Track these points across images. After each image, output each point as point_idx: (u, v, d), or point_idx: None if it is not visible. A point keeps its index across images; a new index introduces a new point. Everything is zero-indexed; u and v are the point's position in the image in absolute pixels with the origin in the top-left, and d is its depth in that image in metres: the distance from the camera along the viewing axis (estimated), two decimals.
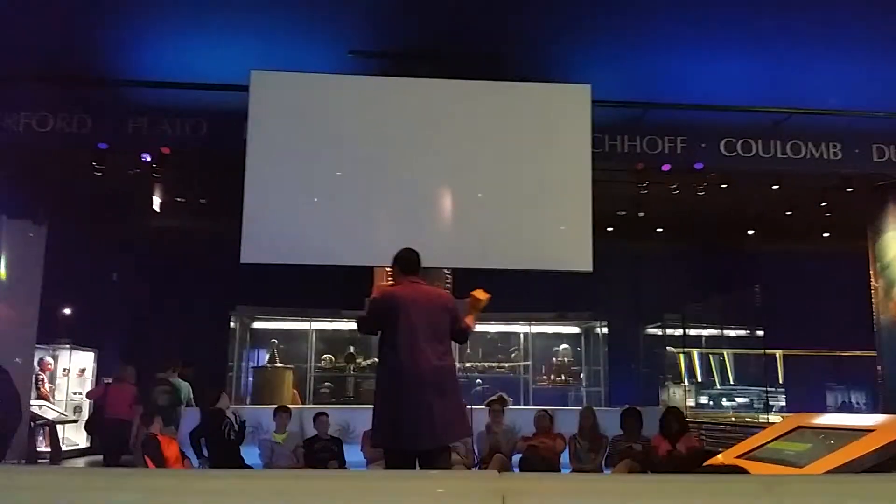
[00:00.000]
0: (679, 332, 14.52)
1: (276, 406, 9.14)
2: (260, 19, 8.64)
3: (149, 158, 9.91)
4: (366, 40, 9.22)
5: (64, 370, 12.61)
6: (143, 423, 8.38)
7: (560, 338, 13.59)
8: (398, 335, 4.73)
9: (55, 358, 12.41)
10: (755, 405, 13.63)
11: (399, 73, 9.45)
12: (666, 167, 10.26)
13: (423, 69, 9.42)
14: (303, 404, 11.47)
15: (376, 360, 4.99)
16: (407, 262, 5.05)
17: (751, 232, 12.52)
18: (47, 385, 11.97)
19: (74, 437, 12.41)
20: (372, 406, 4.85)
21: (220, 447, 8.19)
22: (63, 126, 9.60)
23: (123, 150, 9.79)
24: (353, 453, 8.53)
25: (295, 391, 11.98)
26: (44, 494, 1.71)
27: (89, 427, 11.27)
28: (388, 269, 12.36)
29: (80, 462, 11.81)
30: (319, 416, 8.63)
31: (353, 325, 12.50)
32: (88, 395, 11.28)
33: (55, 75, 9.42)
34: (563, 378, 13.36)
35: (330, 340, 13.05)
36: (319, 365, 12.76)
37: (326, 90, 9.41)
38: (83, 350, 12.88)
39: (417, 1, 8.56)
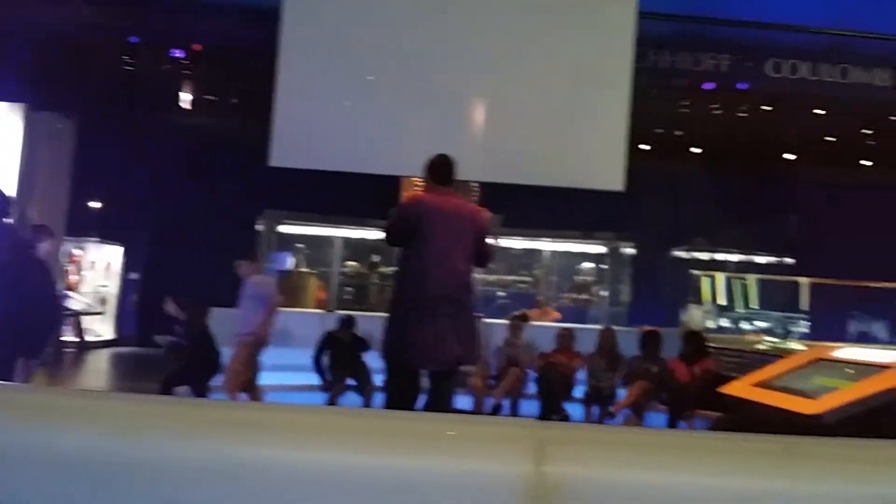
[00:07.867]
0: (707, 255, 14.39)
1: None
2: None
3: (180, 54, 9.73)
4: None
5: (91, 263, 12.76)
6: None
7: (585, 256, 13.49)
8: (425, 247, 4.36)
9: (82, 250, 12.53)
10: (777, 331, 13.58)
11: None
12: (709, 86, 9.93)
13: None
14: (327, 310, 11.53)
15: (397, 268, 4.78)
16: (440, 170, 4.61)
17: (790, 157, 12.14)
18: (73, 277, 12.12)
19: (100, 328, 12.64)
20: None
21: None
22: (95, 18, 9.35)
23: (154, 44, 9.61)
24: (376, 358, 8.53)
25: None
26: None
27: None
28: (417, 180, 12.47)
29: (105, 353, 12.07)
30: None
31: (378, 234, 12.68)
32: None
33: None
34: (585, 296, 13.34)
35: (355, 248, 13.07)
36: (343, 271, 12.82)
37: None
38: (110, 244, 12.99)
39: None
